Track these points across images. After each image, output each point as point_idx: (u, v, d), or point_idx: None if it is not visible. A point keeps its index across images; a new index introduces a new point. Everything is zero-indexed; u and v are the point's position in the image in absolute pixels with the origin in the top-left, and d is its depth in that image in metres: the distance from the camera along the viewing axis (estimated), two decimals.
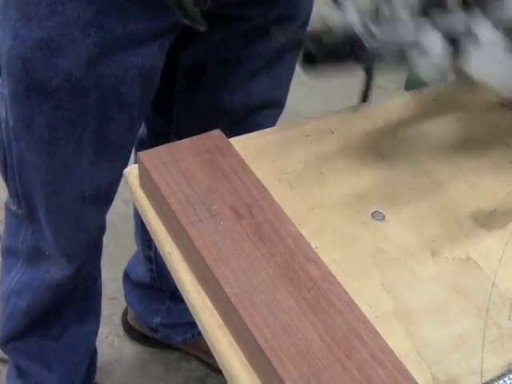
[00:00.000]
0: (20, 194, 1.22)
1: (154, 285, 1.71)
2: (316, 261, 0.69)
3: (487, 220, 0.79)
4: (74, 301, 1.48)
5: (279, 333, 0.63)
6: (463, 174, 0.84)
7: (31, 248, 1.36)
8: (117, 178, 1.22)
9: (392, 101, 0.95)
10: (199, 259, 0.71)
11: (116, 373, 1.81)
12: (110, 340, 1.87)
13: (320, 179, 0.80)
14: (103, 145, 1.08)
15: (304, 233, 0.74)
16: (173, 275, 0.75)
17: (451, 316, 0.69)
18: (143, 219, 0.80)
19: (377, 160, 0.84)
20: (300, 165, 0.83)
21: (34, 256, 1.37)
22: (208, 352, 1.75)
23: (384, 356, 0.62)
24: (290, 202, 0.78)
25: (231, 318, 0.68)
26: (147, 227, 0.80)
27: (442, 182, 0.83)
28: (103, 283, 1.64)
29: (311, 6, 1.16)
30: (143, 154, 0.79)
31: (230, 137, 0.83)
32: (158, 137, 1.34)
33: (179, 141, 0.80)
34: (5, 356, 1.68)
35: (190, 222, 0.72)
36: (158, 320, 1.72)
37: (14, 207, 1.29)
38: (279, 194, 0.78)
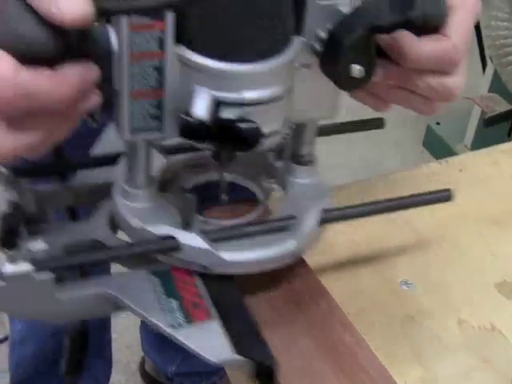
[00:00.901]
0: None
1: None
2: (349, 327, 0.72)
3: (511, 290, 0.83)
4: None
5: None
6: (488, 244, 0.87)
7: None
8: None
9: (419, 170, 0.98)
10: None
11: None
12: None
13: (352, 246, 0.83)
14: None
15: (335, 298, 0.76)
16: None
17: None
18: None
19: (405, 229, 0.87)
20: (332, 232, 0.83)
21: None
22: None
23: None
24: (323, 268, 0.81)
25: None
26: None
27: (467, 251, 0.85)
28: (120, 331, 1.68)
29: None
30: None
31: None
32: None
33: None
34: None
35: None
36: (173, 369, 1.71)
37: None
38: (312, 258, 0.79)
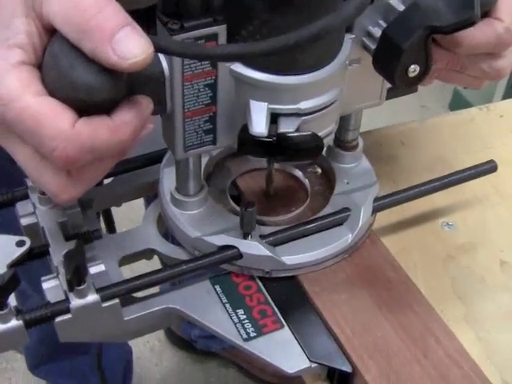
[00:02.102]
0: None
1: None
2: (393, 263, 0.72)
3: None
4: None
5: (359, 330, 0.66)
6: None
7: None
8: None
9: (459, 115, 0.98)
10: None
11: (155, 377, 1.80)
12: (151, 344, 1.85)
13: (392, 187, 0.80)
14: None
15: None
16: None
17: None
18: None
19: (445, 170, 0.84)
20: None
21: (21, 296, 1.30)
22: (247, 359, 1.73)
23: (460, 357, 0.65)
24: None
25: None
26: None
27: (508, 194, 0.85)
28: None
29: None
30: None
31: None
32: None
33: None
34: None
35: None
36: (196, 332, 1.71)
37: None
38: None
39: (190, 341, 1.76)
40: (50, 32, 0.50)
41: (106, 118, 0.51)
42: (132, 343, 1.64)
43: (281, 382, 1.72)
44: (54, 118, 0.49)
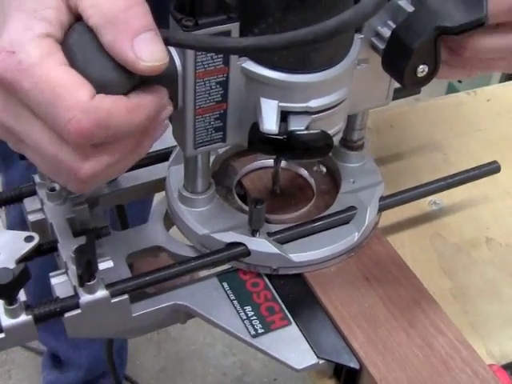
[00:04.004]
0: None
1: None
2: (380, 238, 0.74)
3: None
4: None
5: (347, 301, 0.68)
6: None
7: None
8: None
9: (448, 98, 1.01)
10: None
11: (154, 368, 1.80)
12: (149, 336, 1.83)
13: (380, 167, 0.81)
14: None
15: None
16: None
17: (505, 297, 0.74)
18: None
19: (434, 151, 0.89)
20: None
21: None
22: None
23: (444, 326, 0.66)
24: None
25: None
26: None
27: (495, 175, 0.83)
28: None
29: None
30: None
31: None
32: None
33: None
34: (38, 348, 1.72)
35: None
36: None
37: None
38: None
39: None
40: (75, 17, 0.50)
41: (123, 97, 0.50)
42: None
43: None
44: (72, 89, 0.48)
